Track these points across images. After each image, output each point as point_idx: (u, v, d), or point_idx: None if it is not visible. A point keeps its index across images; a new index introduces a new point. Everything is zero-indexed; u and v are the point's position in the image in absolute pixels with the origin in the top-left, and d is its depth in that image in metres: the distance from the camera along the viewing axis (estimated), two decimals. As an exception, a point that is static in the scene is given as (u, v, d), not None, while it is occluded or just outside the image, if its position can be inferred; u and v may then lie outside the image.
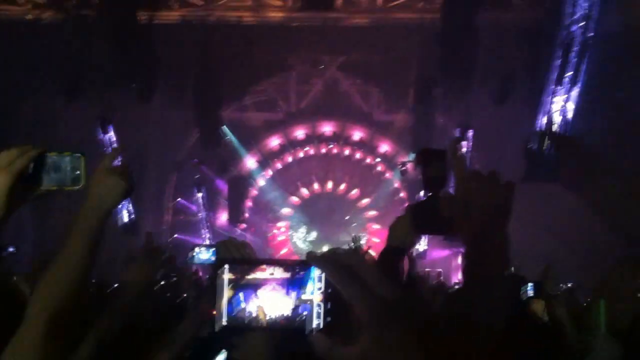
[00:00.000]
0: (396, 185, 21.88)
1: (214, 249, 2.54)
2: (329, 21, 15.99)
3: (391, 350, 1.01)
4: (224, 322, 1.08)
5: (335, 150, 21.98)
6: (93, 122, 16.23)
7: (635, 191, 12.43)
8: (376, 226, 22.16)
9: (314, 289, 1.07)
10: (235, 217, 21.25)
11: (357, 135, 21.59)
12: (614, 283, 2.93)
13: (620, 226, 12.77)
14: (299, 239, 22.63)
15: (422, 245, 19.16)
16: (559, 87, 12.06)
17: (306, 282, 1.08)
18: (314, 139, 21.71)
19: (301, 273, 1.09)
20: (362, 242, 21.71)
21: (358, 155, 22.00)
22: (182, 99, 17.76)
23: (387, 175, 21.99)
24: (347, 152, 21.95)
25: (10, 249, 11.57)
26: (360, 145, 21.80)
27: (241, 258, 1.17)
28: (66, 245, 1.63)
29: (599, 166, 12.37)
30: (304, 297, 1.07)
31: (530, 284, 5.00)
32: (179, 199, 20.48)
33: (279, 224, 22.70)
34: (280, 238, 22.62)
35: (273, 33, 16.44)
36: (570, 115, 12.21)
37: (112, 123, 16.54)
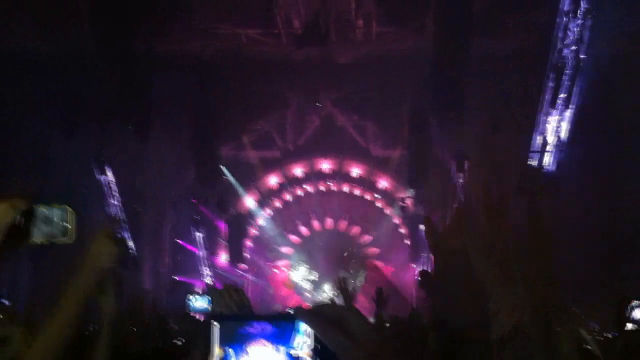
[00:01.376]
0: (396, 221, 21.80)
1: (207, 296, 2.52)
2: (324, 56, 16.16)
3: None
4: None
5: (333, 188, 21.95)
6: (90, 161, 16.27)
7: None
8: (377, 263, 22.04)
9: (302, 344, 1.06)
10: (235, 257, 21.14)
11: (355, 171, 21.57)
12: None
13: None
14: (299, 278, 22.48)
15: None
16: (552, 110, 12.22)
17: (293, 335, 1.07)
18: (312, 176, 21.71)
19: (288, 326, 1.08)
20: (356, 282, 21.59)
21: (357, 192, 21.95)
22: (180, 137, 17.88)
23: (387, 211, 21.92)
24: (345, 188, 21.91)
25: (6, 302, 11.50)
26: (358, 181, 21.77)
27: (230, 314, 1.17)
28: (62, 303, 1.71)
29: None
30: (292, 352, 1.06)
31: None
32: (177, 239, 20.39)
33: (280, 263, 22.58)
34: (281, 277, 22.45)
35: (268, 70, 16.60)
36: (564, 135, 12.34)
37: (109, 163, 16.55)
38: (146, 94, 15.29)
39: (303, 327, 1.06)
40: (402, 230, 21.57)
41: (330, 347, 1.01)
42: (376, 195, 21.90)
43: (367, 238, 22.27)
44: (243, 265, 21.48)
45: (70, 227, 1.64)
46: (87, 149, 15.99)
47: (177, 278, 20.32)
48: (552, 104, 12.11)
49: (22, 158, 14.72)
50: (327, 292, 22.09)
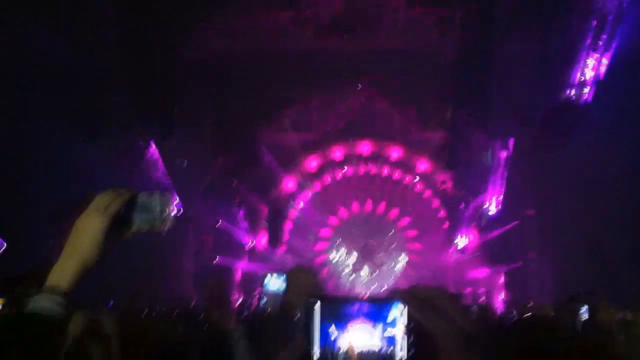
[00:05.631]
0: (435, 204, 21.79)
1: (283, 276, 2.61)
2: (364, 42, 16.21)
3: None
4: (317, 355, 1.19)
5: (373, 170, 22.01)
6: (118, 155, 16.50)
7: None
8: (415, 245, 22.07)
9: (398, 323, 1.18)
10: (274, 239, 21.34)
11: (394, 154, 21.59)
12: None
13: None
14: (338, 259, 22.58)
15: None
16: (592, 52, 12.34)
17: (389, 315, 1.19)
18: (352, 159, 21.79)
19: (385, 306, 1.19)
20: (396, 265, 21.63)
21: (396, 175, 21.99)
22: (222, 120, 18.10)
23: (426, 194, 21.91)
24: (385, 171, 21.97)
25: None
26: (398, 164, 21.81)
27: (333, 296, 1.29)
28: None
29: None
30: (389, 330, 1.18)
31: (585, 307, 5.00)
32: (220, 220, 20.63)
33: (319, 245, 22.70)
34: (320, 259, 22.59)
35: (308, 56, 16.67)
36: (603, 70, 12.42)
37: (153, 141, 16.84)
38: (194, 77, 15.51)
39: (399, 307, 1.18)
40: (441, 213, 21.56)
41: (425, 326, 1.10)
42: (415, 178, 21.91)
43: (405, 220, 22.28)
44: (282, 247, 21.66)
45: (169, 214, 1.69)
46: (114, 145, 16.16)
47: (218, 258, 20.61)
48: (593, 46, 12.18)
49: (45, 161, 14.86)
50: (365, 274, 22.21)
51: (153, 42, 14.20)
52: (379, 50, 16.64)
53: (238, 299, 20.80)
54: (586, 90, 13.02)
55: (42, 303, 1.52)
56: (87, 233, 1.62)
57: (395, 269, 22.24)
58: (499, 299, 19.81)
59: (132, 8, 13.71)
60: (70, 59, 13.43)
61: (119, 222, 1.65)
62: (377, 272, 22.20)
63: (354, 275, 22.38)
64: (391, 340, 1.20)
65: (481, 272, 20.12)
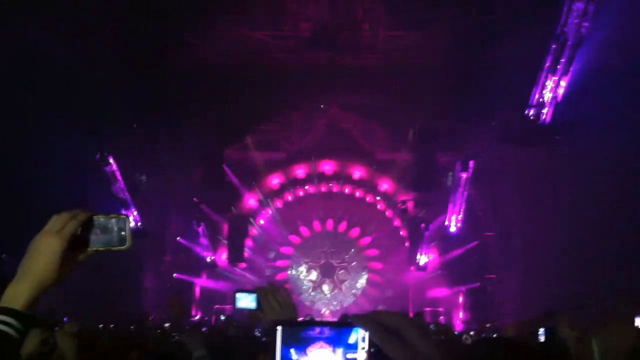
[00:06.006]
0: (396, 223, 21.96)
1: (254, 294, 2.62)
2: (331, 60, 16.26)
3: None
4: None
5: (335, 189, 22.09)
6: (94, 154, 16.38)
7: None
8: (376, 264, 22.16)
9: (358, 348, 1.20)
10: (235, 257, 21.18)
11: (357, 173, 21.73)
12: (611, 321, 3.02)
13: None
14: (298, 277, 22.54)
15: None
16: (551, 75, 12.82)
17: (349, 339, 1.21)
18: (315, 177, 21.81)
19: (346, 330, 1.21)
20: (357, 284, 21.68)
21: (358, 194, 22.11)
22: (186, 137, 17.95)
23: (387, 213, 22.07)
24: (347, 190, 22.06)
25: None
26: (360, 183, 21.95)
27: (295, 321, 1.32)
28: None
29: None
30: (349, 355, 1.20)
31: (541, 329, 5.13)
32: (179, 238, 20.41)
33: (279, 263, 22.62)
34: (281, 277, 22.49)
35: (275, 73, 16.64)
36: (561, 92, 12.85)
37: (112, 156, 16.66)
38: (156, 95, 15.40)
39: (360, 332, 1.20)
40: (402, 233, 21.72)
41: (386, 351, 1.11)
42: (377, 198, 22.06)
43: (366, 239, 22.38)
44: (242, 264, 21.51)
45: (127, 235, 1.69)
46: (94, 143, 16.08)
47: (177, 276, 20.34)
48: (552, 69, 12.62)
49: (29, 157, 14.64)
50: (326, 292, 22.22)
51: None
52: (349, 69, 16.74)
53: (197, 315, 20.64)
54: (544, 110, 13.42)
55: None
56: (42, 254, 1.60)
57: (356, 287, 22.30)
58: (459, 318, 20.04)
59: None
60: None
61: (75, 243, 1.64)
62: (337, 290, 22.24)
63: (314, 293, 22.36)
64: None
65: (441, 291, 20.32)
